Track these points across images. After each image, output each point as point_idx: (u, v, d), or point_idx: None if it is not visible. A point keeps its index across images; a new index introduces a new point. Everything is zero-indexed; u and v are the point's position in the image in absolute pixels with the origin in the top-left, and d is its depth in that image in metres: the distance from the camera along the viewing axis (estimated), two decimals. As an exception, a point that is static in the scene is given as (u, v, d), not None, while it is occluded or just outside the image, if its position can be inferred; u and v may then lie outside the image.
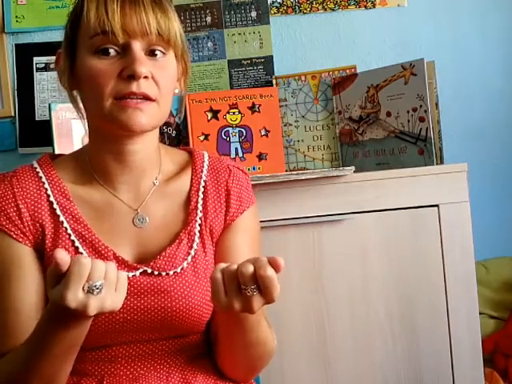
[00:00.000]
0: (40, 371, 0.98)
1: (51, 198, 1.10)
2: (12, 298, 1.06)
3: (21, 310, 1.06)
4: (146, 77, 1.02)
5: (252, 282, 0.90)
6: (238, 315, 0.99)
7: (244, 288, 0.90)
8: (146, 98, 1.03)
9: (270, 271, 0.89)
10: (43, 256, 1.08)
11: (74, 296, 0.86)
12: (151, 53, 1.05)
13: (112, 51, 1.03)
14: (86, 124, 1.13)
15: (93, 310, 0.87)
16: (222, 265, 0.93)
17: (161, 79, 1.05)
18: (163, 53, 1.06)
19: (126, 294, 0.91)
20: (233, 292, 0.91)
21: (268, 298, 0.91)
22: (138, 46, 1.03)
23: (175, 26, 1.06)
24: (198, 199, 1.14)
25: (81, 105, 1.12)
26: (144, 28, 1.02)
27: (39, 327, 0.97)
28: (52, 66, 2.06)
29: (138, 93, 1.02)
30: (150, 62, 1.04)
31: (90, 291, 0.87)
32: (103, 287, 0.88)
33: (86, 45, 1.04)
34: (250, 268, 0.90)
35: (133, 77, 1.01)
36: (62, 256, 0.87)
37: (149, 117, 1.04)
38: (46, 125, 1.87)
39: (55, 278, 0.89)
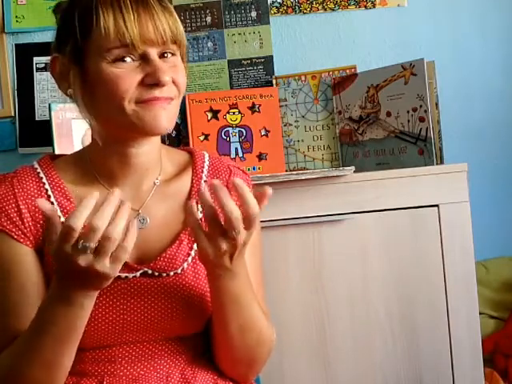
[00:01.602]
0: (40, 356, 0.98)
1: (52, 199, 1.10)
2: (12, 299, 1.06)
3: (21, 311, 1.06)
4: (168, 84, 1.04)
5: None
6: (228, 289, 1.03)
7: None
8: (170, 99, 1.05)
9: (256, 209, 0.98)
10: (43, 257, 1.08)
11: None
12: (162, 55, 1.05)
13: (129, 59, 1.03)
14: (90, 126, 1.13)
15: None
16: (194, 208, 0.99)
17: (178, 79, 1.06)
18: (173, 54, 1.07)
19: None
20: (218, 235, 0.98)
21: (252, 229, 0.98)
22: (155, 54, 1.04)
23: (181, 26, 1.07)
24: (198, 199, 1.14)
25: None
26: (160, 36, 1.03)
27: (40, 309, 0.99)
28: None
29: (161, 97, 1.03)
30: (167, 66, 1.04)
31: (82, 250, 0.90)
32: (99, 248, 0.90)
33: (100, 54, 1.03)
34: (238, 213, 0.96)
35: (157, 85, 1.03)
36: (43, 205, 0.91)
37: (171, 114, 1.06)
38: (46, 125, 1.87)
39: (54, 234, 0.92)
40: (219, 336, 1.11)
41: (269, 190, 0.99)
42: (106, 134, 1.08)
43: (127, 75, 1.02)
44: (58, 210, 1.09)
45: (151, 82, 1.02)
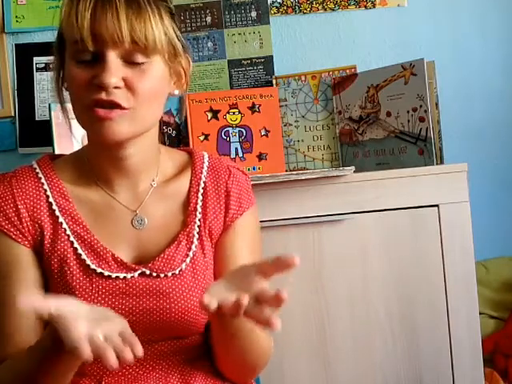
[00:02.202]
0: None
1: (50, 199, 1.10)
2: (11, 299, 1.06)
3: (20, 312, 1.06)
4: (116, 87, 1.00)
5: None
6: (231, 325, 1.00)
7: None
8: (117, 106, 1.00)
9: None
10: (42, 256, 1.08)
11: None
12: (132, 60, 1.01)
13: (88, 58, 1.01)
14: None
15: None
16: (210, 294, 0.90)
17: (139, 86, 1.01)
18: (145, 58, 1.02)
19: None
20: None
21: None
22: (111, 55, 0.99)
23: (155, 30, 1.00)
24: (197, 200, 1.14)
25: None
26: (116, 36, 0.98)
27: (37, 349, 0.97)
28: (52, 66, 2.06)
29: (106, 100, 0.99)
30: (128, 69, 1.01)
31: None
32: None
33: (68, 50, 1.03)
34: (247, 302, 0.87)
35: (101, 87, 0.99)
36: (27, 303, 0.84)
37: (122, 126, 1.01)
38: (46, 125, 1.87)
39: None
40: (219, 353, 1.11)
41: (296, 260, 0.87)
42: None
43: (80, 75, 1.01)
44: (57, 210, 1.09)
45: (96, 82, 0.99)
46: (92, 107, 1.00)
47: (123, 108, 1.01)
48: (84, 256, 1.07)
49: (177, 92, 1.13)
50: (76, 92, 1.02)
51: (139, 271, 1.08)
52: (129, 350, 0.84)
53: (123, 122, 1.01)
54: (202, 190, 1.14)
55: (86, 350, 0.81)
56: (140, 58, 1.01)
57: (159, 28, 1.02)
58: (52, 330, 0.88)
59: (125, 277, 1.07)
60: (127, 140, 1.05)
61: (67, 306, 0.87)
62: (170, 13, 1.07)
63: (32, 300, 0.84)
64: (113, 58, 1.00)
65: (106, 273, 1.07)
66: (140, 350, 0.85)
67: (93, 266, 1.07)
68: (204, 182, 1.15)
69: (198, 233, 1.12)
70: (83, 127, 1.06)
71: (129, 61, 1.01)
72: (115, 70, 0.99)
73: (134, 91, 1.01)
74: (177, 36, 1.07)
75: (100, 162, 1.10)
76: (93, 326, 0.85)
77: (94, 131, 1.03)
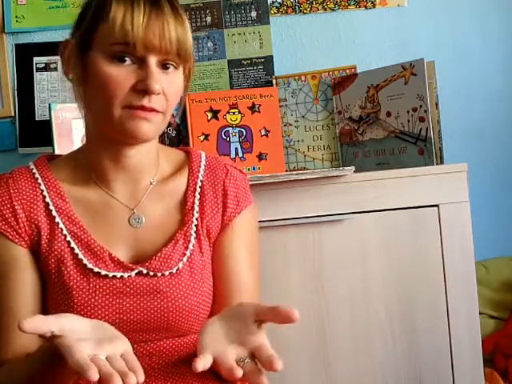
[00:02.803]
0: None
1: (47, 199, 1.10)
2: (8, 300, 1.07)
3: (17, 312, 1.06)
4: (158, 93, 1.03)
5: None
6: None
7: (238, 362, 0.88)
8: (155, 111, 1.04)
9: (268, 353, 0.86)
10: (39, 257, 1.08)
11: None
12: (164, 66, 1.05)
13: (128, 60, 1.03)
14: (83, 120, 1.13)
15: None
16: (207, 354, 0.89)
17: (170, 93, 1.05)
18: (175, 67, 1.06)
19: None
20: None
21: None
22: (154, 61, 1.03)
23: (191, 40, 1.06)
24: (194, 199, 1.14)
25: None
26: (165, 45, 1.02)
27: (37, 360, 0.97)
28: (52, 66, 2.06)
29: (148, 107, 1.03)
30: (163, 76, 1.04)
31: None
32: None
33: (103, 48, 1.03)
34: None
35: (146, 92, 1.02)
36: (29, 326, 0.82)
37: (154, 127, 1.05)
38: (46, 125, 1.87)
39: None
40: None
41: (296, 315, 0.87)
42: (97, 132, 1.09)
43: (121, 78, 1.02)
44: (54, 210, 1.09)
45: (141, 87, 1.02)
46: (132, 108, 1.02)
47: (158, 112, 1.04)
48: (81, 256, 1.07)
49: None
50: (114, 92, 1.02)
51: (136, 270, 1.08)
52: (132, 374, 0.83)
53: (155, 124, 1.05)
54: (199, 189, 1.15)
55: (94, 373, 0.79)
56: (169, 67, 1.05)
57: (191, 39, 1.07)
58: (53, 347, 0.87)
59: (122, 276, 1.07)
60: (146, 141, 1.07)
61: (68, 324, 0.86)
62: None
63: (34, 322, 0.83)
64: (154, 64, 1.03)
65: (103, 272, 1.07)
66: (142, 376, 0.84)
67: (90, 266, 1.07)
68: (201, 181, 1.15)
69: (195, 232, 1.12)
70: (107, 123, 1.05)
71: (163, 68, 1.05)
72: (158, 77, 1.03)
73: (167, 97, 1.05)
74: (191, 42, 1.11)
75: (100, 161, 1.11)
76: (96, 347, 0.84)
77: (125, 129, 1.04)
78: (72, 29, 1.11)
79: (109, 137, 1.08)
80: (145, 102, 1.02)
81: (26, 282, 1.07)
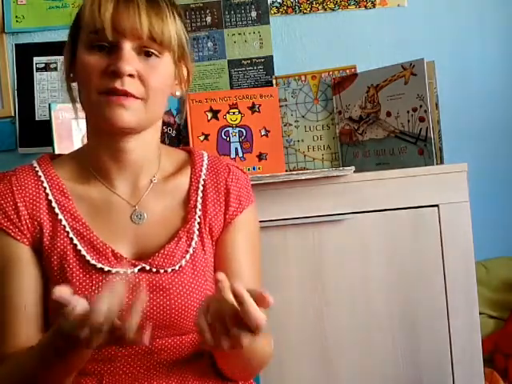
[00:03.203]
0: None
1: (50, 197, 1.11)
2: (10, 297, 1.07)
3: (19, 309, 1.07)
4: (131, 75, 1.03)
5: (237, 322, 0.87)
6: None
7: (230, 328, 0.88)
8: (130, 95, 1.04)
9: (251, 308, 0.86)
10: (41, 254, 1.09)
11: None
12: (145, 53, 1.05)
13: (104, 47, 1.04)
14: (86, 121, 1.14)
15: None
16: (204, 306, 0.90)
17: (150, 79, 1.05)
18: (157, 55, 1.06)
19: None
20: (220, 332, 0.88)
21: (256, 332, 0.87)
22: (127, 46, 1.04)
23: (171, 29, 1.06)
24: (197, 197, 1.15)
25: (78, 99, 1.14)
26: (134, 28, 1.03)
27: (41, 348, 0.98)
28: (52, 66, 2.06)
29: (120, 89, 1.03)
30: (141, 62, 1.05)
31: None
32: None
33: (83, 40, 1.06)
34: (231, 308, 0.87)
35: (116, 74, 1.03)
36: (61, 293, 0.87)
37: (134, 114, 1.05)
38: (46, 125, 1.87)
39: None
40: (219, 362, 1.12)
41: (270, 299, 0.88)
42: (93, 127, 1.11)
43: (95, 62, 1.04)
44: (57, 208, 1.10)
45: (111, 69, 1.03)
46: (105, 94, 1.03)
47: (135, 97, 1.04)
48: (83, 252, 1.08)
49: (178, 93, 1.16)
50: (89, 79, 1.04)
51: (139, 267, 1.08)
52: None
53: (133, 111, 1.05)
54: (201, 187, 1.16)
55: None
56: (153, 53, 1.06)
57: (174, 27, 1.07)
58: (64, 328, 0.89)
59: (125, 272, 1.07)
60: (131, 130, 1.07)
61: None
62: (181, 16, 1.12)
63: (64, 292, 0.87)
64: (128, 48, 1.04)
65: (106, 268, 1.07)
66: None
67: (92, 262, 1.07)
68: (204, 180, 1.16)
69: (198, 229, 1.13)
70: (91, 113, 1.08)
71: (142, 55, 1.05)
72: (130, 59, 1.03)
73: (145, 83, 1.05)
74: (186, 39, 1.11)
75: (100, 157, 1.11)
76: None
77: (104, 117, 1.04)
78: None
79: (103, 131, 1.09)
80: (117, 84, 1.03)
81: (27, 279, 1.08)
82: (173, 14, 1.08)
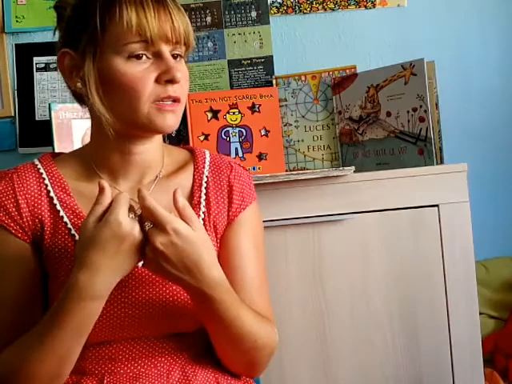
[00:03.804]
0: (53, 352, 1.00)
1: (51, 194, 1.11)
2: (9, 293, 1.07)
3: (17, 306, 1.07)
4: (179, 81, 1.06)
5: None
6: (205, 306, 1.03)
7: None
8: (178, 100, 1.07)
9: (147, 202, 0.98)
10: (42, 250, 1.09)
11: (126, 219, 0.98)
12: (173, 56, 1.08)
13: (144, 57, 1.05)
14: (91, 122, 1.13)
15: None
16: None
17: (184, 81, 1.08)
18: (182, 56, 1.09)
19: None
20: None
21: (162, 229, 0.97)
22: (167, 51, 1.06)
23: (191, 28, 1.10)
24: (200, 194, 1.15)
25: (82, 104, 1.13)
26: (177, 35, 1.06)
27: (55, 306, 1.00)
28: (52, 66, 2.06)
29: (174, 96, 1.06)
30: (177, 65, 1.07)
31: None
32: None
33: (116, 50, 1.04)
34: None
35: (171, 81, 1.05)
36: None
37: (178, 118, 1.09)
38: (46, 125, 1.87)
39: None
40: (213, 344, 1.12)
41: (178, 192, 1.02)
42: (116, 127, 1.09)
43: (143, 74, 1.05)
44: (58, 205, 1.10)
45: (166, 78, 1.05)
46: (158, 101, 1.05)
47: (180, 101, 1.08)
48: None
49: None
50: (139, 89, 1.04)
51: (142, 261, 1.08)
52: None
53: (178, 114, 1.09)
54: (204, 185, 1.16)
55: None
56: (180, 57, 1.09)
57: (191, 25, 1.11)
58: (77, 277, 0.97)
59: None
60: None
61: None
62: None
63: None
64: (169, 54, 1.06)
65: None
66: None
67: None
68: (206, 177, 1.17)
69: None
70: (137, 121, 1.06)
71: (173, 58, 1.07)
72: (177, 65, 1.07)
73: (183, 86, 1.08)
74: None
75: (108, 157, 1.11)
76: None
77: (154, 124, 1.06)
78: (65, 38, 1.10)
79: (126, 134, 1.09)
80: (171, 91, 1.05)
81: (27, 276, 1.08)
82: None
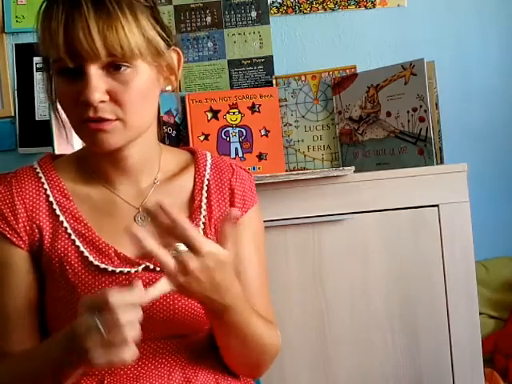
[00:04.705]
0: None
1: (50, 198, 1.10)
2: (4, 301, 1.07)
3: (12, 313, 1.06)
4: (102, 101, 0.99)
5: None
6: (223, 318, 1.01)
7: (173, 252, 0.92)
8: (105, 120, 1.00)
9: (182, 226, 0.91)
10: (41, 256, 1.08)
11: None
12: (115, 67, 1.00)
13: (71, 73, 1.00)
14: None
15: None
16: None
17: (124, 96, 1.00)
18: (127, 66, 1.00)
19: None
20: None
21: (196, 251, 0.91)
22: (92, 69, 0.98)
23: (129, 37, 0.98)
24: (201, 197, 1.14)
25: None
26: (90, 51, 0.96)
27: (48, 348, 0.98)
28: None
29: (94, 117, 0.99)
30: (112, 80, 1.00)
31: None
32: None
33: (52, 66, 1.04)
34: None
35: (86, 104, 0.99)
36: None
37: (115, 135, 1.02)
38: (46, 125, 1.86)
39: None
40: (221, 346, 1.12)
41: (236, 212, 0.98)
42: None
43: (67, 91, 1.01)
44: (58, 209, 1.09)
45: (81, 99, 0.99)
46: (83, 122, 1.01)
47: (112, 120, 1.01)
48: (86, 253, 1.07)
49: (169, 88, 1.11)
50: (65, 108, 1.04)
51: (143, 265, 1.08)
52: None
53: (115, 133, 1.02)
54: (206, 187, 1.15)
55: None
56: (121, 67, 1.00)
57: (134, 32, 0.99)
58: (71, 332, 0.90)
59: (129, 271, 1.07)
60: (121, 148, 1.06)
61: None
62: (148, 7, 1.04)
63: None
64: (93, 71, 0.98)
65: (110, 268, 1.06)
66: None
67: (96, 263, 1.06)
68: (208, 180, 1.16)
69: (202, 229, 1.12)
70: (80, 138, 1.07)
71: (110, 71, 1.00)
72: (97, 84, 0.98)
73: (120, 103, 1.01)
74: (158, 33, 1.03)
75: (100, 163, 1.11)
76: None
77: (89, 143, 1.05)
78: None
79: None
80: (90, 113, 0.99)
81: (21, 284, 1.07)
82: (130, 13, 0.99)
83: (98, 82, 0.98)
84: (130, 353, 0.86)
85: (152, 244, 0.90)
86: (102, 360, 0.86)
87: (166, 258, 0.91)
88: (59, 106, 1.08)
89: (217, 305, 0.99)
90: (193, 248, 0.92)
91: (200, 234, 0.93)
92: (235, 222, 1.12)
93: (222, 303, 0.99)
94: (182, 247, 0.93)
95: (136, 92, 1.01)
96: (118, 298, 0.86)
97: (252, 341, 1.08)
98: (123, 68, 1.00)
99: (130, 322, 0.86)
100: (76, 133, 1.06)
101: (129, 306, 0.86)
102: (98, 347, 0.85)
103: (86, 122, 1.00)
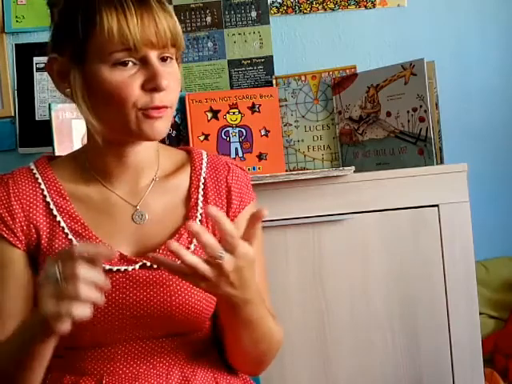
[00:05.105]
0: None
1: (47, 199, 1.10)
2: (0, 300, 1.07)
3: (6, 314, 1.07)
4: (166, 89, 1.04)
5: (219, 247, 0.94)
6: (241, 313, 1.02)
7: (212, 257, 0.94)
8: (167, 107, 1.05)
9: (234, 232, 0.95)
10: (39, 257, 1.09)
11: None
12: (162, 59, 1.05)
13: (130, 63, 1.03)
14: (87, 125, 1.13)
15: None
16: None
17: (174, 85, 1.06)
18: (172, 58, 1.06)
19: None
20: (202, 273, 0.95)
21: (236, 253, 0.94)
22: (154, 57, 1.03)
23: (180, 30, 1.07)
24: (198, 195, 1.14)
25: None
26: (162, 39, 1.03)
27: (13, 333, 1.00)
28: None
29: (160, 106, 1.03)
30: (165, 70, 1.04)
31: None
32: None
33: (101, 58, 1.03)
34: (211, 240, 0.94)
35: (156, 90, 1.02)
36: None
37: (167, 123, 1.07)
38: (46, 125, 1.86)
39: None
40: (231, 345, 1.12)
41: (265, 212, 1.00)
42: (105, 134, 1.09)
43: (128, 82, 1.02)
44: (55, 210, 1.09)
45: (151, 86, 1.02)
46: (145, 109, 1.03)
47: (168, 107, 1.05)
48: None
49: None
50: (124, 97, 1.02)
51: (140, 263, 1.08)
52: None
53: (166, 120, 1.06)
54: (202, 186, 1.15)
55: None
56: (167, 59, 1.05)
57: (180, 29, 1.07)
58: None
59: (126, 269, 1.07)
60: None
61: None
62: None
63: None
64: (156, 60, 1.03)
65: (107, 267, 1.07)
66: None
67: None
68: (204, 178, 1.16)
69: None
70: (125, 129, 1.05)
71: (162, 61, 1.05)
72: (164, 72, 1.03)
73: (171, 90, 1.05)
74: None
75: (104, 159, 1.11)
76: None
77: (142, 131, 1.04)
78: (53, 43, 1.11)
79: (116, 139, 1.08)
80: (157, 101, 1.03)
81: (18, 284, 1.08)
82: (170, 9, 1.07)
83: (163, 69, 1.04)
84: (79, 310, 0.88)
85: (192, 258, 0.93)
86: (51, 309, 0.88)
87: (203, 267, 0.94)
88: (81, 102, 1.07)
89: (238, 300, 1.00)
90: (231, 248, 0.95)
91: (236, 236, 0.95)
92: (232, 220, 1.13)
93: (243, 298, 1.00)
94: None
95: (178, 81, 1.08)
96: (81, 248, 0.90)
97: (264, 335, 1.09)
98: (169, 60, 1.05)
99: (88, 278, 0.88)
100: (124, 123, 1.04)
101: (91, 263, 0.90)
102: (50, 296, 0.89)
103: (147, 109, 1.03)
